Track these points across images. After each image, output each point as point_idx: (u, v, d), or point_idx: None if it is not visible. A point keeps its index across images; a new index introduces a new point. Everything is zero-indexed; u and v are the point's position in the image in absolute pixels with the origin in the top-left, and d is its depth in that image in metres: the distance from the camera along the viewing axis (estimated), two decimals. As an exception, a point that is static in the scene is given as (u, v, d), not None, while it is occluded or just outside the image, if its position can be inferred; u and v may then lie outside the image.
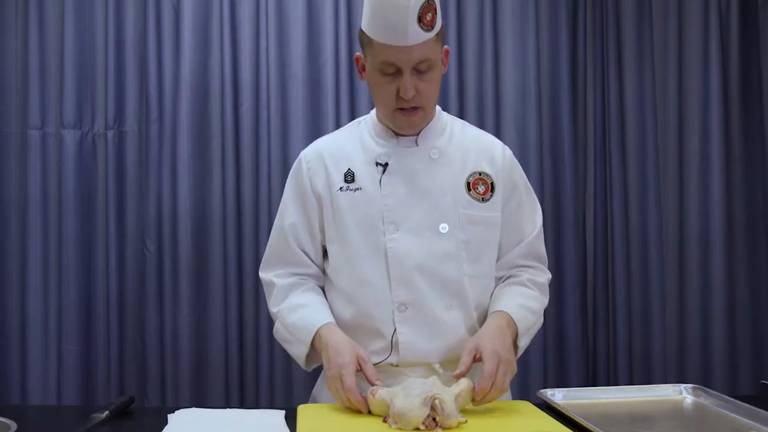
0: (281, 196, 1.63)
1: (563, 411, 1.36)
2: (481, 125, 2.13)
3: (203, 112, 2.44)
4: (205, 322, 2.42)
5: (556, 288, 2.44)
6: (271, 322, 1.61)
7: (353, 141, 1.58)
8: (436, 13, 1.39)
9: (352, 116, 2.37)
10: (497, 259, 1.58)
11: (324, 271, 1.59)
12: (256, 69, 2.45)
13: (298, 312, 1.51)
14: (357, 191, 1.51)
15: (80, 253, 2.43)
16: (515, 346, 1.49)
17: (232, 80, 2.44)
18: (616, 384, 2.50)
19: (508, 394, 1.55)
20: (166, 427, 1.31)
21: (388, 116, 1.50)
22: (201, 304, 2.42)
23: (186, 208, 2.41)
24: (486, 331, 1.43)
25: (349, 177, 1.53)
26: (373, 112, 1.60)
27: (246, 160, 2.45)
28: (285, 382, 2.40)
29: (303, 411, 1.39)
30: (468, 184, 1.53)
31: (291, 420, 1.34)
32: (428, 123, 1.55)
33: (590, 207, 2.60)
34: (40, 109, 2.44)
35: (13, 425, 1.27)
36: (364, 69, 1.51)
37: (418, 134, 1.54)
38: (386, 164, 1.52)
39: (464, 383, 1.32)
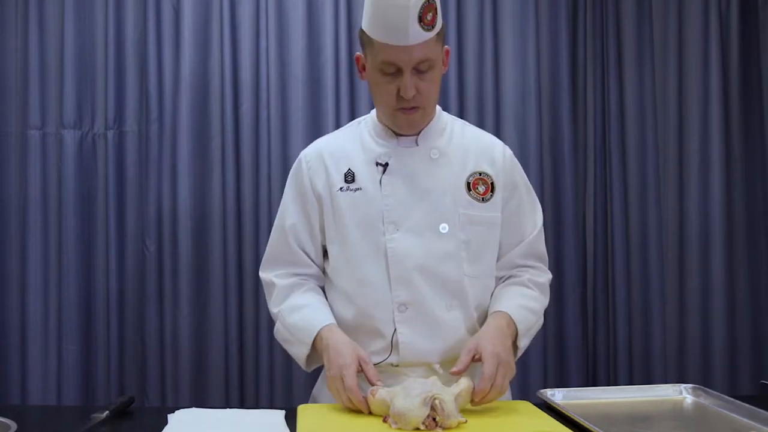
0: (281, 196, 1.63)
1: (563, 411, 1.36)
2: (481, 125, 2.12)
3: (203, 112, 2.44)
4: (205, 322, 2.42)
5: (556, 288, 2.44)
6: (271, 322, 1.61)
7: (353, 141, 1.58)
8: (436, 13, 1.39)
9: (352, 116, 2.37)
10: (497, 259, 1.58)
11: (324, 271, 1.59)
12: (256, 69, 2.45)
13: (299, 312, 1.51)
14: (357, 191, 1.51)
15: (80, 253, 2.43)
16: (515, 347, 1.49)
17: (232, 80, 2.44)
18: (616, 384, 2.50)
19: (508, 394, 1.55)
20: (166, 427, 1.31)
21: (389, 116, 1.50)
22: (201, 304, 2.42)
23: (186, 208, 2.41)
24: (486, 332, 1.43)
25: (350, 177, 1.53)
26: (373, 112, 1.60)
27: (246, 160, 2.45)
28: (285, 382, 2.40)
29: (303, 411, 1.39)
30: (468, 184, 1.53)
31: (291, 420, 1.34)
32: (428, 123, 1.55)
33: (590, 207, 2.60)
34: (40, 109, 2.44)
35: (13, 425, 1.27)
36: (364, 69, 1.51)
37: (418, 134, 1.54)
38: (386, 164, 1.52)
39: (464, 383, 1.32)
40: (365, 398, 1.32)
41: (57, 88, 2.44)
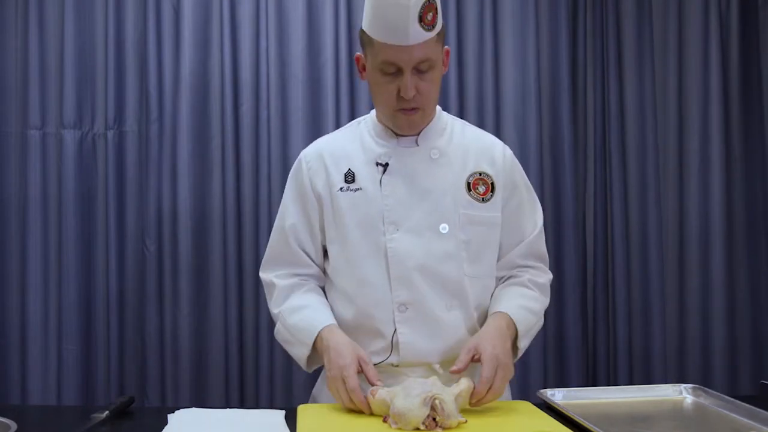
0: (281, 196, 1.63)
1: (563, 411, 1.36)
2: (481, 125, 2.12)
3: (203, 112, 2.44)
4: (205, 322, 2.42)
5: (556, 288, 2.44)
6: (271, 322, 1.60)
7: (353, 141, 1.58)
8: (437, 13, 1.39)
9: (352, 116, 2.37)
10: (498, 259, 1.58)
11: (325, 271, 1.59)
12: (256, 69, 2.45)
13: (299, 313, 1.51)
14: (357, 191, 1.51)
15: (80, 253, 2.43)
16: (515, 348, 1.49)
17: (232, 80, 2.44)
18: (616, 384, 2.50)
19: (507, 394, 1.55)
20: (166, 427, 1.31)
21: (389, 116, 1.50)
22: (201, 304, 2.42)
23: (186, 208, 2.41)
24: (486, 332, 1.43)
25: (350, 177, 1.53)
26: (373, 112, 1.60)
27: (246, 160, 2.45)
28: (285, 382, 2.40)
29: (303, 411, 1.39)
30: (468, 184, 1.53)
31: (291, 420, 1.34)
32: (428, 123, 1.55)
33: (590, 207, 2.60)
34: (40, 109, 2.44)
35: (13, 425, 1.27)
36: (364, 69, 1.50)
37: (418, 134, 1.54)
38: (386, 164, 1.52)
39: (464, 383, 1.32)
40: (366, 398, 1.32)
41: (57, 88, 2.44)
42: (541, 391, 1.50)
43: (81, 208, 2.44)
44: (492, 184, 1.54)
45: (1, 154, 2.44)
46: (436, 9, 1.39)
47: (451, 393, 1.29)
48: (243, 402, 2.42)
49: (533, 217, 1.61)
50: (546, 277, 1.63)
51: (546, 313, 1.62)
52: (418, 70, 1.42)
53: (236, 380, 2.42)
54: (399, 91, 1.43)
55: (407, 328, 1.47)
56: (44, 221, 2.43)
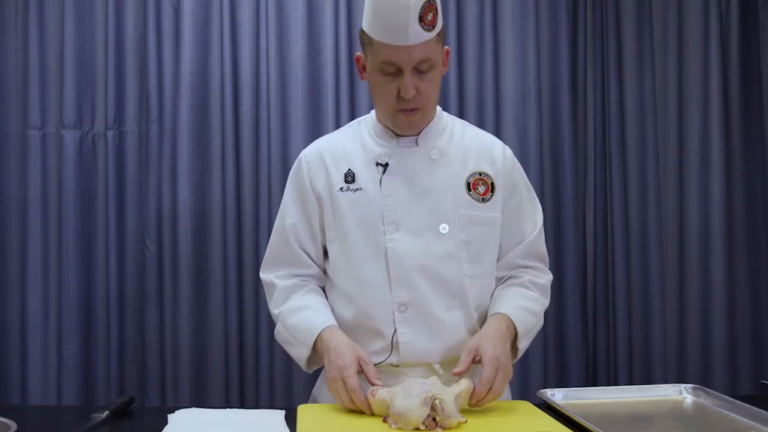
0: (281, 196, 1.63)
1: (563, 411, 1.36)
2: (481, 125, 2.12)
3: (203, 112, 2.44)
4: (205, 322, 2.42)
5: (556, 288, 2.43)
6: (271, 322, 1.60)
7: (353, 141, 1.58)
8: (437, 13, 1.39)
9: (352, 116, 2.37)
10: (498, 260, 1.58)
11: (325, 271, 1.59)
12: (256, 69, 2.45)
13: (299, 314, 1.51)
14: (357, 191, 1.51)
15: (80, 253, 2.43)
16: (514, 348, 1.49)
17: (232, 80, 2.44)
18: (616, 384, 2.50)
19: (507, 394, 1.55)
20: (166, 427, 1.31)
21: (388, 116, 1.50)
22: (201, 304, 2.42)
23: (186, 208, 2.41)
24: (486, 333, 1.43)
25: (350, 177, 1.53)
26: (373, 112, 1.59)
27: (246, 160, 2.45)
28: (285, 382, 2.40)
29: (303, 411, 1.39)
30: (468, 184, 1.53)
31: (291, 420, 1.34)
32: (428, 123, 1.55)
33: (590, 207, 2.60)
34: (40, 109, 2.44)
35: (13, 425, 1.27)
36: (364, 69, 1.50)
37: (418, 134, 1.54)
38: (386, 164, 1.51)
39: (464, 383, 1.32)
40: (366, 398, 1.32)
41: (57, 88, 2.44)
42: (541, 391, 1.50)
43: (81, 208, 2.44)
44: (492, 184, 1.54)
45: (1, 154, 2.44)
46: (436, 9, 1.39)
47: (451, 393, 1.29)
48: (243, 402, 2.42)
49: (533, 218, 1.61)
50: (546, 277, 1.63)
51: (546, 313, 1.62)
52: (418, 71, 1.42)
53: (236, 380, 2.42)
54: (399, 91, 1.43)
55: (407, 328, 1.47)
56: (44, 221, 2.43)
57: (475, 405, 1.33)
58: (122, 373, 2.44)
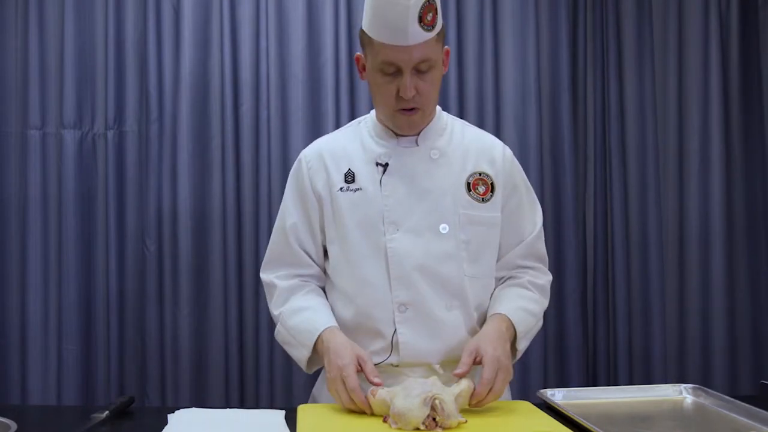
0: (281, 196, 1.63)
1: (563, 411, 1.36)
2: (481, 125, 2.12)
3: (203, 112, 2.44)
4: (205, 322, 2.42)
5: (556, 288, 2.44)
6: (271, 323, 1.60)
7: (353, 141, 1.58)
8: (436, 13, 1.39)
9: (352, 116, 2.37)
10: (497, 260, 1.58)
11: (325, 271, 1.59)
12: (256, 69, 2.45)
13: (300, 315, 1.50)
14: (357, 191, 1.51)
15: (80, 253, 2.43)
16: (514, 349, 1.49)
17: (232, 80, 2.44)
18: (616, 384, 2.50)
19: (507, 394, 1.55)
20: (166, 427, 1.30)
21: (388, 117, 1.50)
22: (201, 304, 2.42)
23: (186, 208, 2.41)
24: (486, 334, 1.43)
25: (350, 177, 1.53)
26: (373, 112, 1.59)
27: (246, 160, 2.45)
28: (285, 382, 2.40)
29: (303, 411, 1.39)
30: (468, 184, 1.53)
31: (291, 420, 1.34)
32: (428, 123, 1.55)
33: (590, 207, 2.60)
34: (40, 109, 2.44)
35: (13, 425, 1.27)
36: (364, 69, 1.50)
37: (418, 134, 1.54)
38: (386, 164, 1.52)
39: (464, 383, 1.32)
40: (366, 398, 1.32)
41: (57, 88, 2.44)
42: (541, 391, 1.50)
43: (81, 208, 2.44)
44: (492, 184, 1.54)
45: (1, 154, 2.44)
46: (436, 9, 1.39)
47: (451, 393, 1.29)
48: (243, 402, 2.42)
49: (533, 218, 1.61)
50: (545, 278, 1.63)
51: (546, 313, 1.62)
52: (418, 71, 1.42)
53: (236, 380, 2.42)
54: (399, 91, 1.43)
55: (407, 329, 1.47)
56: (44, 221, 2.43)
57: (475, 405, 1.33)
58: (122, 373, 2.44)
